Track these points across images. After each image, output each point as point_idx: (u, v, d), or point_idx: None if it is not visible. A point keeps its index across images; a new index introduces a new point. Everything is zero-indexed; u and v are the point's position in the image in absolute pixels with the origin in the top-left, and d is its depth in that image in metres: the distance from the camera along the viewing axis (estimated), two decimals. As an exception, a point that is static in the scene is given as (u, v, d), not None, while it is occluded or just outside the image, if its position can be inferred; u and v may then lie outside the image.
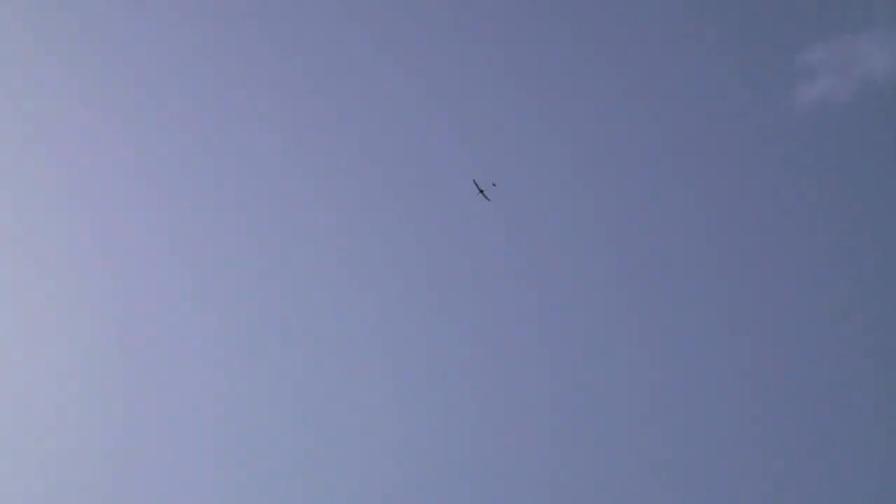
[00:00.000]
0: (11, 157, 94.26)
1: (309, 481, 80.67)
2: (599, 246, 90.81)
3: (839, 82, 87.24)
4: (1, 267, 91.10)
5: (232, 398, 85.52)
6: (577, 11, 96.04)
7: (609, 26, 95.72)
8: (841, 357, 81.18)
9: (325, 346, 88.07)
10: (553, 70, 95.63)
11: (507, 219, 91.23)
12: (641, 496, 77.37)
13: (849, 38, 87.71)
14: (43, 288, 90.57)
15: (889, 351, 79.78)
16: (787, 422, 79.65)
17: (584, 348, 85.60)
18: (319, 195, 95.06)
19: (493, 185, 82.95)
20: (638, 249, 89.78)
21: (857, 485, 74.89)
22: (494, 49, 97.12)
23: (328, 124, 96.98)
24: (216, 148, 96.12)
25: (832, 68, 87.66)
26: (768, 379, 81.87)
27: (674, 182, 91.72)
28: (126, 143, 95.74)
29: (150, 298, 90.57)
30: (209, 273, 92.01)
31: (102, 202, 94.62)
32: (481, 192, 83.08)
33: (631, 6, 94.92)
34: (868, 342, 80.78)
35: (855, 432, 77.51)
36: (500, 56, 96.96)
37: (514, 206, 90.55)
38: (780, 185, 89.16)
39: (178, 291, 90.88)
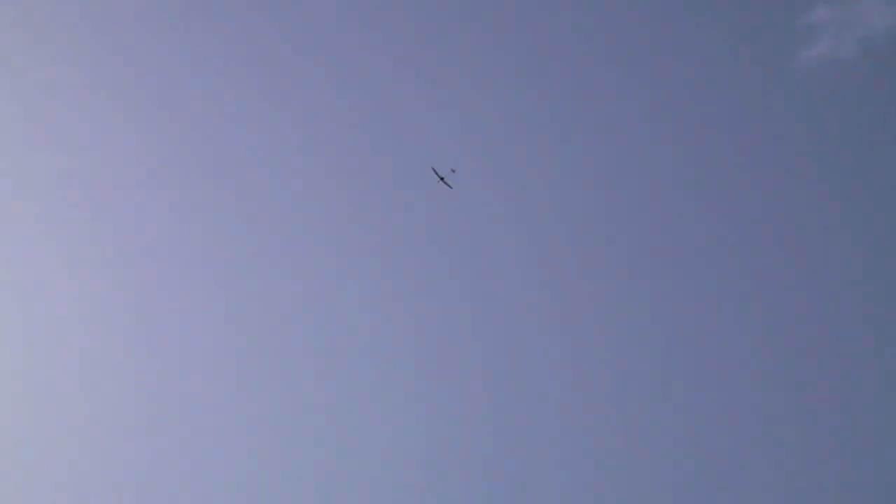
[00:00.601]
0: (16, 157, 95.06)
1: (310, 480, 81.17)
2: (600, 222, 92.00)
3: (841, 41, 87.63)
4: (8, 266, 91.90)
5: (233, 397, 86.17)
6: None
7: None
8: (843, 347, 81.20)
9: (325, 345, 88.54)
10: (546, 46, 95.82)
11: (504, 212, 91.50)
12: (642, 496, 77.29)
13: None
14: (49, 287, 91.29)
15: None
16: (788, 419, 79.47)
17: (588, 345, 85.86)
18: (320, 193, 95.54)
19: (453, 171, 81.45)
20: (639, 216, 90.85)
21: (858, 484, 74.56)
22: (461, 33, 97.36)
23: (319, 122, 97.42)
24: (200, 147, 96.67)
25: (834, 27, 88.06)
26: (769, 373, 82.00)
27: (678, 146, 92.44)
28: (128, 142, 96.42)
29: (155, 298, 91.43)
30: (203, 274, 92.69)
31: (108, 200, 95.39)
32: (441, 179, 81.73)
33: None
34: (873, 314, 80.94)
35: (855, 431, 77.17)
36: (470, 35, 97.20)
37: (508, 195, 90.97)
38: (783, 145, 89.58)
39: (179, 293, 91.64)
